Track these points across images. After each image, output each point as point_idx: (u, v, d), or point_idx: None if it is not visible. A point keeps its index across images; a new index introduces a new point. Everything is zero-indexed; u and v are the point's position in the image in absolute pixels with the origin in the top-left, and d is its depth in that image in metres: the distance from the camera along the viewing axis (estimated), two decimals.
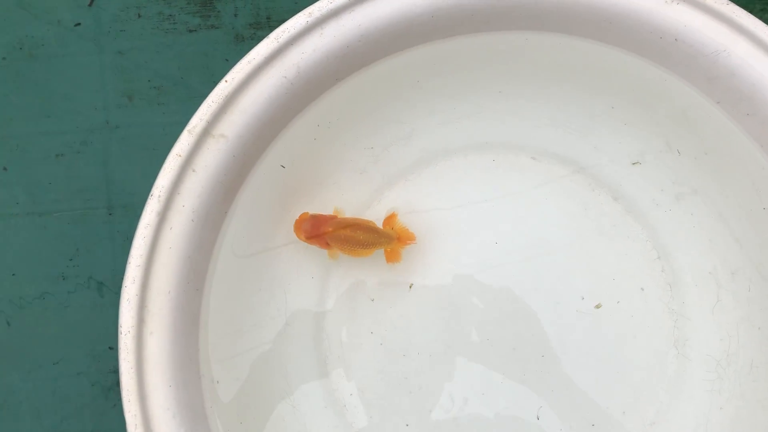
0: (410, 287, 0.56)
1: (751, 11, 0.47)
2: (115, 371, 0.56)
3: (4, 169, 0.58)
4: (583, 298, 0.56)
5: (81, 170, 0.59)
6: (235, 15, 0.57)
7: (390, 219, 0.55)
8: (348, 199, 0.56)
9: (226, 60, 0.58)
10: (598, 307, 0.55)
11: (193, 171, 0.45)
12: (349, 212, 0.56)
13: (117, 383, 0.56)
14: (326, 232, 0.51)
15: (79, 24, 0.58)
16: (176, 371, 0.45)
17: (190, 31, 0.59)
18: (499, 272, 0.56)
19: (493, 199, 0.57)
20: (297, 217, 0.53)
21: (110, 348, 0.57)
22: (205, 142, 0.45)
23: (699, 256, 0.56)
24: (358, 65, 0.49)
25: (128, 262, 0.44)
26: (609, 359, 0.55)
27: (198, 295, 0.47)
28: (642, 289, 0.56)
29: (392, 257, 0.54)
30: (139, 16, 0.58)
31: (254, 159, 0.49)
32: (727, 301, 0.55)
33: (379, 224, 0.54)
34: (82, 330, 0.58)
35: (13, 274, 0.58)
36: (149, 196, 0.45)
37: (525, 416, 0.55)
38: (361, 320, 0.56)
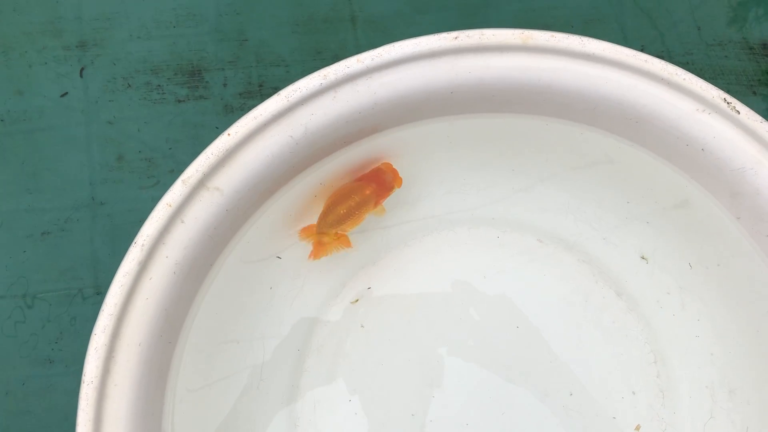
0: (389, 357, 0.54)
1: None
2: None
3: None
4: (571, 394, 0.54)
5: (67, 249, 0.56)
6: (225, 85, 0.55)
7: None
8: (345, 256, 0.54)
9: (216, 128, 0.56)
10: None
11: (182, 222, 0.43)
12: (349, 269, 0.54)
13: None
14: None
15: (66, 94, 0.56)
16: (137, 427, 0.43)
17: (179, 101, 0.57)
18: (490, 353, 0.54)
19: (492, 276, 0.55)
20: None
21: None
22: (199, 194, 0.44)
23: (698, 367, 0.53)
24: (369, 131, 0.47)
25: (101, 309, 0.42)
26: None
27: (170, 348, 0.45)
28: (633, 392, 0.54)
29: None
30: (129, 86, 0.56)
31: (249, 214, 0.47)
32: (721, 419, 0.52)
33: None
34: (67, 415, 0.54)
35: None
36: (132, 244, 0.43)
37: None
38: (339, 383, 0.54)
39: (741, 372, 0.52)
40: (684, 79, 0.44)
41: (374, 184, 0.50)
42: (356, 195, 0.49)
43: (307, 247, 0.51)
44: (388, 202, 0.51)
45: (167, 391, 0.46)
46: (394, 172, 0.51)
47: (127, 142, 0.56)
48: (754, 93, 0.56)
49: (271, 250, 0.51)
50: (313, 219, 0.50)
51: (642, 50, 0.56)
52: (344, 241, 0.51)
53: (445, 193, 0.55)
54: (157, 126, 0.55)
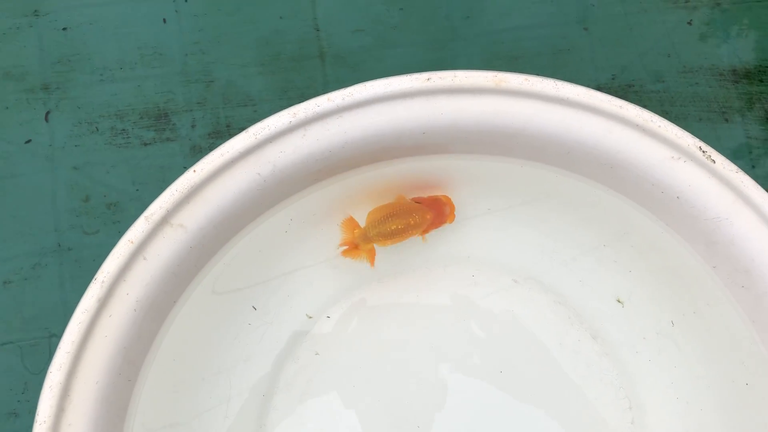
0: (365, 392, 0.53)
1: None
2: None
3: None
4: None
5: (31, 297, 0.55)
6: (193, 126, 0.54)
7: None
8: (315, 292, 0.54)
9: (184, 168, 0.55)
10: None
11: (144, 259, 0.43)
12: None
13: None
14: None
15: (30, 141, 0.55)
16: None
17: (145, 144, 0.56)
18: (460, 394, 0.53)
19: (465, 316, 0.54)
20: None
21: None
22: (162, 231, 0.43)
23: (673, 415, 0.52)
24: (341, 169, 0.47)
25: (58, 347, 0.41)
26: None
27: (129, 386, 0.44)
28: None
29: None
30: (95, 130, 0.55)
31: (214, 250, 0.46)
32: None
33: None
34: None
35: None
36: (93, 280, 0.42)
37: None
38: (308, 422, 0.53)
39: (717, 424, 0.51)
40: (659, 126, 0.44)
41: (433, 212, 0.49)
42: (415, 216, 0.48)
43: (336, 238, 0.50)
44: None
45: (126, 428, 0.45)
46: (452, 207, 0.50)
47: (93, 187, 0.55)
48: (726, 120, 0.55)
49: (240, 286, 0.50)
50: (356, 213, 0.49)
51: (613, 80, 0.56)
52: (372, 256, 0.50)
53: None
54: (124, 169, 0.55)
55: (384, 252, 0.54)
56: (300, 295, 0.53)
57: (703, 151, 0.44)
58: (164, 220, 0.43)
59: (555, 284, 0.54)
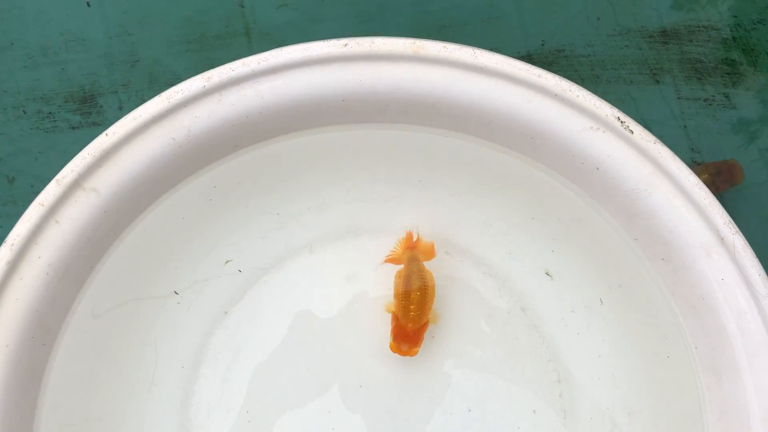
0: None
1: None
2: None
3: None
4: (470, 410, 0.53)
5: None
6: (120, 108, 0.53)
7: (408, 238, 0.53)
8: (245, 261, 0.53)
9: None
10: None
11: (57, 222, 0.42)
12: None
13: None
14: (413, 330, 0.50)
15: None
16: (2, 429, 0.42)
17: (73, 128, 0.55)
18: (385, 365, 0.53)
19: (391, 283, 0.54)
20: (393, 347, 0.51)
21: None
22: (74, 195, 0.43)
23: (600, 388, 0.52)
24: (260, 137, 0.46)
25: None
26: None
27: (44, 351, 0.44)
28: (534, 411, 0.53)
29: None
30: (23, 113, 0.55)
31: (131, 216, 0.46)
32: None
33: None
34: None
35: None
36: (2, 244, 0.42)
37: None
38: (236, 391, 0.53)
39: (640, 395, 0.51)
40: (577, 96, 0.43)
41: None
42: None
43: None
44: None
45: (41, 394, 0.45)
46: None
47: (19, 177, 0.54)
48: (657, 81, 0.55)
49: (163, 254, 0.50)
50: None
51: (543, 46, 0.55)
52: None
53: (353, 200, 0.54)
54: (52, 155, 0.54)
55: (314, 225, 0.54)
56: (229, 263, 0.53)
57: (621, 122, 0.43)
58: (76, 184, 0.42)
59: (486, 256, 0.54)
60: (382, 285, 0.54)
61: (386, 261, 0.53)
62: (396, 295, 0.52)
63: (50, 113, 0.55)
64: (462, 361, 0.53)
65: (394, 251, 0.53)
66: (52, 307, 0.44)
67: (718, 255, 0.43)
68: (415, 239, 0.53)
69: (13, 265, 0.42)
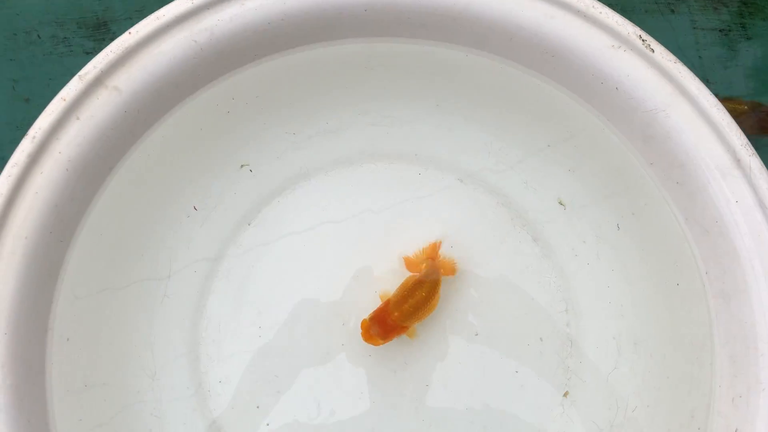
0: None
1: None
2: None
3: None
4: (476, 334, 0.53)
5: None
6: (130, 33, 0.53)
7: (433, 248, 0.52)
8: (260, 180, 0.54)
9: None
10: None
11: (77, 119, 0.43)
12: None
13: None
14: (395, 319, 0.49)
15: None
16: (18, 320, 0.43)
17: (87, 53, 0.55)
18: (396, 287, 0.53)
19: (410, 213, 0.54)
20: (361, 325, 0.50)
21: None
22: (96, 92, 0.43)
23: (606, 318, 0.53)
24: (281, 46, 0.46)
25: None
26: (489, 402, 0.53)
27: (61, 247, 0.45)
28: (541, 339, 0.53)
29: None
30: (39, 37, 0.54)
31: (151, 120, 0.46)
32: (625, 370, 0.52)
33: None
34: None
35: None
36: (24, 137, 0.42)
37: None
38: (248, 307, 0.54)
39: (646, 325, 0.51)
40: (600, 13, 0.43)
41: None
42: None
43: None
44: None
45: (57, 291, 0.46)
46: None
47: (33, 100, 0.54)
48: (673, 11, 0.55)
49: (181, 165, 0.50)
50: None
51: None
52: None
53: (369, 124, 0.54)
54: (66, 80, 0.54)
55: (330, 147, 0.54)
56: (244, 180, 0.53)
57: (643, 40, 0.43)
58: (98, 81, 0.43)
59: (499, 185, 0.54)
60: (397, 214, 0.55)
61: (406, 263, 0.52)
62: (401, 285, 0.51)
63: (65, 38, 0.55)
64: (471, 287, 0.54)
65: (417, 255, 0.53)
66: (71, 204, 0.44)
67: (734, 177, 0.43)
68: (440, 252, 0.53)
69: (34, 158, 0.42)
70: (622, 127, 0.47)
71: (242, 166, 0.53)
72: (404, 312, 0.49)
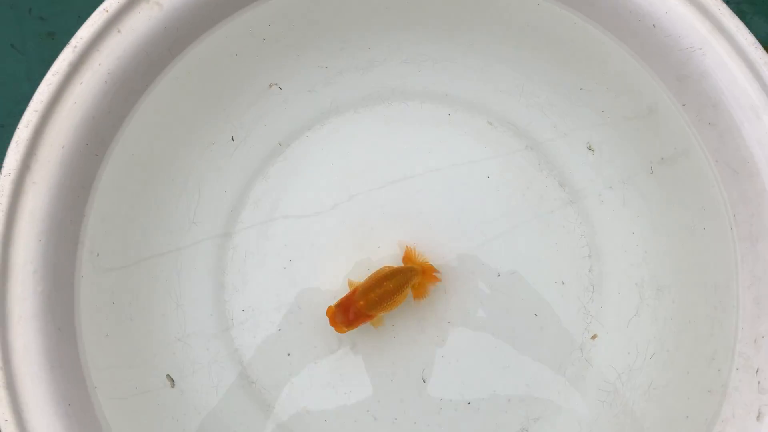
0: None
1: None
2: None
3: None
4: (499, 275, 0.54)
5: None
6: None
7: (409, 254, 0.52)
8: (291, 112, 0.54)
9: None
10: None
11: (119, 32, 0.43)
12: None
13: None
14: (360, 307, 0.49)
15: None
16: (51, 228, 0.43)
17: None
18: (421, 223, 0.54)
19: (437, 152, 0.55)
20: (327, 310, 0.50)
21: None
22: (137, 5, 0.43)
23: (630, 264, 0.53)
24: None
25: (27, 107, 0.42)
26: (509, 343, 0.53)
27: (96, 161, 0.46)
28: (563, 282, 0.54)
29: (420, 293, 0.51)
30: None
31: (189, 39, 0.46)
32: (645, 316, 0.52)
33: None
34: None
35: None
36: (66, 46, 0.43)
37: (412, 375, 0.53)
38: (274, 238, 0.54)
39: (670, 271, 0.52)
40: None
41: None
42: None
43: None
44: None
45: (89, 206, 0.46)
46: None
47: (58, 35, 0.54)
48: None
49: (216, 89, 0.51)
50: None
51: None
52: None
53: (401, 62, 0.54)
54: None
55: (361, 83, 0.54)
56: (276, 112, 0.54)
57: None
58: None
59: (529, 128, 0.55)
60: (425, 154, 0.55)
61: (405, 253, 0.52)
62: (371, 275, 0.51)
63: None
64: (496, 227, 0.54)
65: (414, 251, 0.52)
66: (107, 118, 0.45)
67: None
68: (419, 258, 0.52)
69: (75, 67, 0.43)
70: (657, 66, 0.47)
71: (274, 95, 0.53)
72: (369, 301, 0.49)
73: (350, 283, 0.52)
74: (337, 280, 0.53)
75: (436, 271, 0.52)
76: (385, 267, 0.51)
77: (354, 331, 0.52)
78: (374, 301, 0.49)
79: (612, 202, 0.53)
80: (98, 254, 0.47)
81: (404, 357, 0.53)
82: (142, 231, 0.50)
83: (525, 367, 0.53)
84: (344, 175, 0.55)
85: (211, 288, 0.53)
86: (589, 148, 0.54)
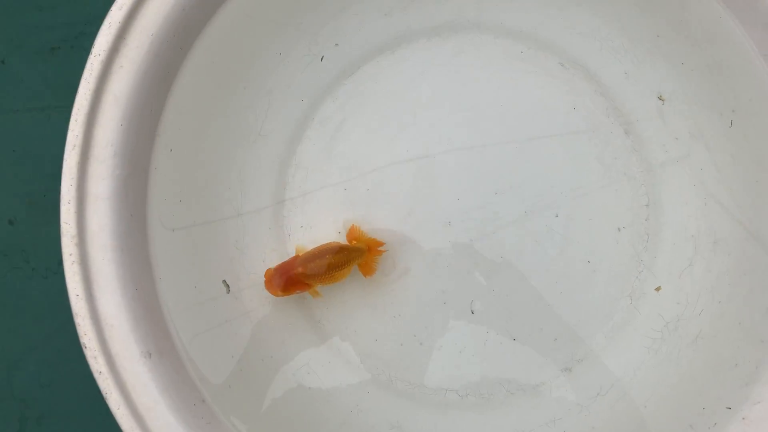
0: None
1: None
2: None
3: (2, 62, 0.56)
4: (557, 216, 0.54)
5: (77, 65, 0.55)
6: None
7: (353, 232, 0.52)
8: (365, 38, 0.54)
9: None
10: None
11: None
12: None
13: None
14: (298, 274, 0.48)
15: None
16: (133, 114, 0.44)
17: None
18: (484, 161, 0.54)
19: (506, 89, 0.55)
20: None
21: None
22: None
23: (688, 216, 0.53)
24: None
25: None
26: (560, 285, 0.54)
27: (180, 54, 0.46)
28: (619, 229, 0.54)
29: (368, 270, 0.51)
30: None
31: None
32: (699, 268, 0.53)
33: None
34: None
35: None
36: None
37: (461, 305, 0.53)
38: (335, 160, 0.54)
39: (729, 223, 0.52)
40: None
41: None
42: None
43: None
44: None
45: (168, 99, 0.47)
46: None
47: None
48: None
49: (291, 8, 0.51)
50: None
51: None
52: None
53: None
54: None
55: (438, 11, 0.54)
56: (350, 33, 0.54)
57: None
58: None
59: (600, 73, 0.55)
60: (495, 89, 0.55)
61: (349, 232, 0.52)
62: (318, 246, 0.50)
63: None
64: (558, 169, 0.54)
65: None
66: (197, 11, 0.45)
67: None
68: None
69: None
70: (743, 14, 0.47)
71: (351, 16, 0.53)
72: (308, 269, 0.49)
73: (297, 249, 0.51)
74: (397, 208, 0.54)
75: (381, 244, 0.52)
76: (333, 242, 0.51)
77: (407, 257, 0.53)
78: (313, 271, 0.49)
79: (677, 152, 0.54)
80: (171, 150, 0.48)
81: (455, 287, 0.54)
82: (211, 134, 0.51)
83: (573, 309, 0.54)
84: (411, 103, 0.55)
85: (270, 201, 0.54)
86: (659, 98, 0.54)
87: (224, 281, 0.51)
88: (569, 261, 0.54)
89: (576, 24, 0.54)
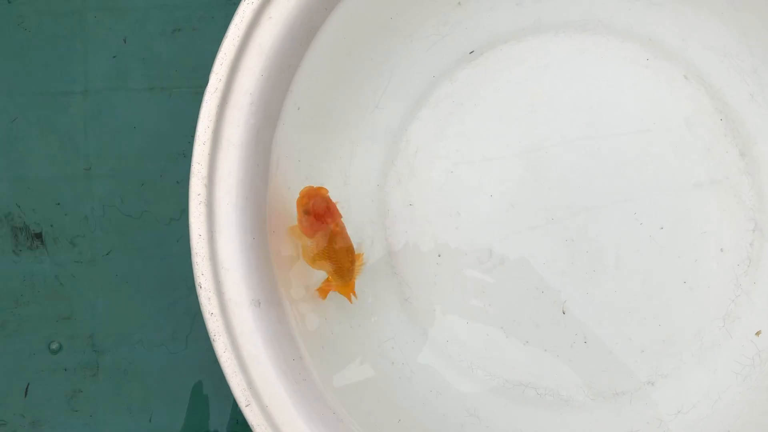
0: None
1: None
2: None
3: (123, 41, 0.57)
4: (662, 228, 0.53)
5: (199, 46, 0.56)
6: None
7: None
8: (492, 24, 0.54)
9: None
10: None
11: None
12: None
13: None
14: (333, 217, 0.46)
15: None
16: (274, 66, 0.45)
17: None
18: (592, 161, 0.54)
19: (627, 100, 0.54)
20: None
21: None
22: None
23: None
24: None
25: None
26: (655, 297, 0.53)
27: (324, 15, 0.46)
28: (722, 250, 0.53)
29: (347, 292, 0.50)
30: None
31: None
32: None
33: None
34: None
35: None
36: None
37: (553, 304, 0.53)
38: (446, 140, 0.54)
39: None
40: None
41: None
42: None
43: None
44: None
45: (303, 59, 0.47)
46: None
47: None
48: None
49: None
50: None
51: None
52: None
53: None
54: None
55: (569, 6, 0.54)
56: (479, 17, 0.54)
57: None
58: None
59: (723, 91, 0.54)
60: (617, 94, 0.54)
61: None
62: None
63: None
64: (668, 181, 0.54)
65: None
66: None
67: None
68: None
69: None
70: None
71: (475, 3, 0.53)
72: (338, 238, 0.47)
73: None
74: (500, 197, 0.54)
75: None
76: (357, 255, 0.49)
77: (505, 248, 0.53)
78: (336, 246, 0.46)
79: None
80: (299, 108, 0.48)
81: (550, 285, 0.53)
82: (334, 99, 0.51)
83: (665, 324, 0.53)
84: (529, 95, 0.55)
85: (377, 175, 0.54)
86: None
87: None
88: (667, 275, 0.53)
89: (707, 38, 0.53)
